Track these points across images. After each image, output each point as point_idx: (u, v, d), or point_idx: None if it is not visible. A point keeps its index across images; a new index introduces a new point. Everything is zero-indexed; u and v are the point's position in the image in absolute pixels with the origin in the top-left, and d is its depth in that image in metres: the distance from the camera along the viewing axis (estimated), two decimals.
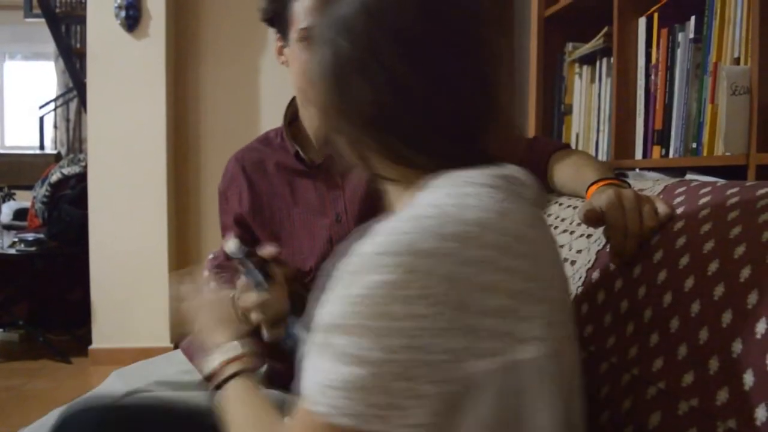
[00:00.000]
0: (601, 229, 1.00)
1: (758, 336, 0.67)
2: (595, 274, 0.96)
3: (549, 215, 1.16)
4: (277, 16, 1.23)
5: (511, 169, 0.67)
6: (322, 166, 1.29)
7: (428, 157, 0.69)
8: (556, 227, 1.12)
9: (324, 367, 0.58)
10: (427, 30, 0.68)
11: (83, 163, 3.50)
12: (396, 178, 0.72)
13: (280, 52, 1.27)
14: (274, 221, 1.32)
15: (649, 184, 1.06)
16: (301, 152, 1.29)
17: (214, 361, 0.88)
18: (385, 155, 0.70)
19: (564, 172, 1.18)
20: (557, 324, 0.64)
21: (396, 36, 0.67)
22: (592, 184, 1.00)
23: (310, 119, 1.29)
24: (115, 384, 1.27)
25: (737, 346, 0.68)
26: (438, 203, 0.60)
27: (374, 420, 0.56)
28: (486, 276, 0.58)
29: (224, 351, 0.89)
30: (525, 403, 0.60)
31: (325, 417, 0.57)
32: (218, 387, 0.85)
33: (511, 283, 0.59)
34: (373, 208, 0.83)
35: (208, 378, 0.87)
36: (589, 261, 0.99)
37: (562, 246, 1.06)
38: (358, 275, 0.58)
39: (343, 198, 1.30)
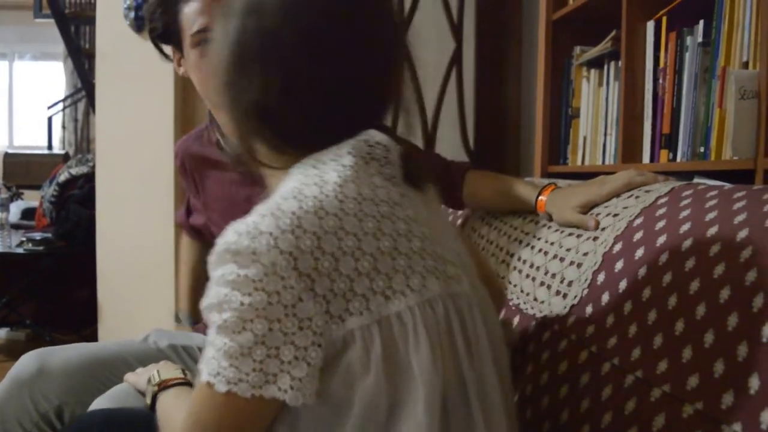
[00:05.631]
0: (607, 232, 1.00)
1: (764, 340, 0.66)
2: (601, 276, 0.96)
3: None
4: (168, 29, 1.25)
5: (376, 149, 0.71)
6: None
7: (303, 148, 0.73)
8: (562, 231, 1.12)
9: (213, 341, 0.65)
10: (333, 29, 0.71)
11: (91, 163, 3.52)
12: (277, 166, 0.75)
13: (179, 64, 1.30)
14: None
15: (656, 186, 1.06)
16: (222, 143, 1.36)
17: (161, 375, 0.97)
18: (265, 144, 0.75)
19: (489, 188, 1.31)
20: (420, 277, 0.68)
21: (303, 32, 0.70)
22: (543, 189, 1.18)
23: (221, 125, 1.33)
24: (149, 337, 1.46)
25: (743, 350, 0.68)
26: (284, 196, 0.67)
27: (259, 381, 0.63)
28: (327, 258, 0.64)
29: (168, 370, 0.99)
30: (401, 349, 0.66)
31: (214, 385, 0.64)
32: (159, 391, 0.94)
33: (355, 257, 0.65)
34: None
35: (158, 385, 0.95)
36: (595, 263, 0.98)
37: (568, 250, 1.06)
38: (218, 264, 0.66)
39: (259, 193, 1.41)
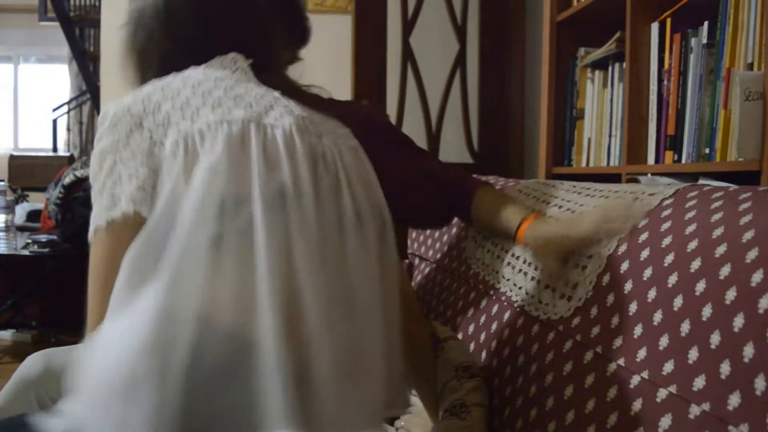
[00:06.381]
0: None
1: None
2: (606, 278, 0.96)
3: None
4: None
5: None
6: None
7: None
8: None
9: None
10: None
11: None
12: None
13: None
14: None
15: (660, 188, 1.06)
16: None
17: None
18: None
19: (485, 213, 1.25)
20: (226, 108, 0.82)
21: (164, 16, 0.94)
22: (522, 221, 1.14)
23: None
24: None
25: (749, 351, 0.68)
26: None
27: (109, 205, 0.79)
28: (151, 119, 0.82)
29: None
30: (198, 154, 0.79)
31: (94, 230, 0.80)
32: None
33: (173, 99, 0.82)
34: None
35: None
36: (600, 266, 0.99)
37: (573, 252, 1.06)
38: None
39: None
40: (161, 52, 0.93)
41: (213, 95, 0.83)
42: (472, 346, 1.23)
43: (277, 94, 0.86)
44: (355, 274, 0.80)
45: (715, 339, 0.73)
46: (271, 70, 0.95)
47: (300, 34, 1.33)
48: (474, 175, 1.36)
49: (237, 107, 0.81)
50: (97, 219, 0.80)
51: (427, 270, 1.64)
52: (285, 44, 1.17)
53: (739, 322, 0.71)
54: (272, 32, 0.99)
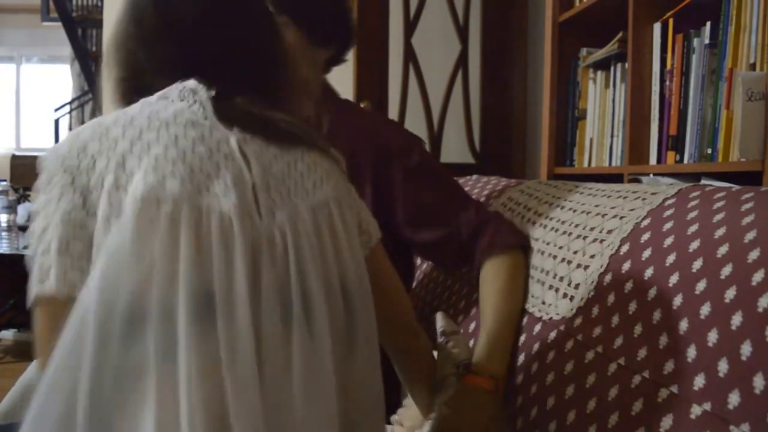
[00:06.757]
0: (614, 234, 1.00)
1: None
2: (607, 278, 0.96)
3: (563, 222, 1.16)
4: None
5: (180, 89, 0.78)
6: None
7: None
8: (570, 233, 1.12)
9: None
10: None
11: None
12: None
13: None
14: None
15: (662, 188, 1.06)
16: None
17: None
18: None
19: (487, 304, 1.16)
20: (160, 177, 0.68)
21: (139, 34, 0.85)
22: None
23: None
24: None
25: (746, 350, 0.68)
26: None
27: (39, 279, 0.69)
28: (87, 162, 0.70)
29: None
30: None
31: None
32: None
33: (108, 156, 0.70)
34: None
35: None
36: (602, 266, 0.99)
37: (575, 252, 1.06)
38: None
39: None
40: (131, 54, 0.84)
41: (152, 152, 0.69)
42: (471, 343, 1.23)
43: (230, 145, 0.73)
44: (302, 382, 0.68)
45: (712, 337, 0.73)
46: (265, 86, 0.84)
47: (336, 35, 1.19)
48: (487, 210, 1.28)
49: (173, 176, 0.67)
50: (32, 289, 0.69)
51: (429, 269, 1.64)
52: (312, 49, 1.09)
53: (737, 320, 0.71)
54: (272, 39, 0.86)
